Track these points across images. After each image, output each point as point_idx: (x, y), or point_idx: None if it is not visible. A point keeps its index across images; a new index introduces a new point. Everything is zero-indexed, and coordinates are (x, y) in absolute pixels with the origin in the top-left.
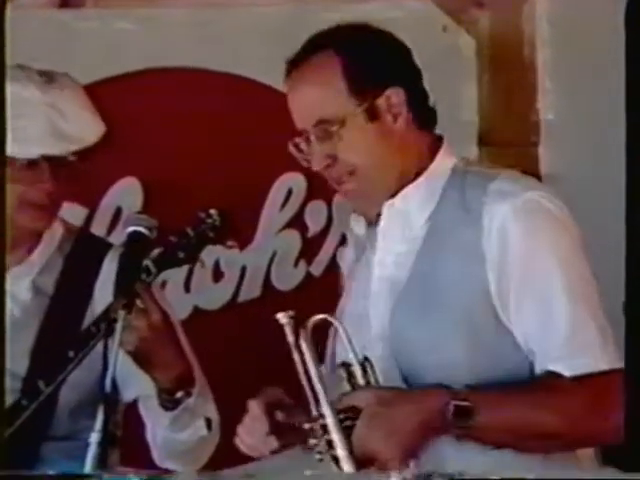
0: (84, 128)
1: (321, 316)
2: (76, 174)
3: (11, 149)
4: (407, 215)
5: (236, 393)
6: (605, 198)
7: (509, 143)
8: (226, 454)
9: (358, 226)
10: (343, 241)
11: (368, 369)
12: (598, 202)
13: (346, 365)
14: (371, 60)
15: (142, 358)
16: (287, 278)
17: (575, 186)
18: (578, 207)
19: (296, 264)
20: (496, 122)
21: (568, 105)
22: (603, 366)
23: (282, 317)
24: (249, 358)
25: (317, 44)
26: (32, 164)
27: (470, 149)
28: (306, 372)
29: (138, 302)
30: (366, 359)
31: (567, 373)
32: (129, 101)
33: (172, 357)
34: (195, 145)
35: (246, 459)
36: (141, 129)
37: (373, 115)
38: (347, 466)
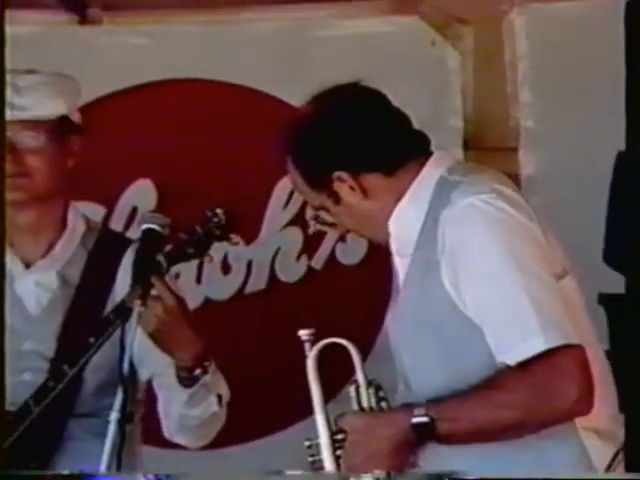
0: (35, 102)
1: (333, 340)
2: (43, 152)
3: None
4: (402, 237)
5: (243, 375)
6: (578, 195)
7: (492, 148)
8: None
9: None
10: (342, 238)
11: (371, 392)
12: (572, 199)
13: (356, 385)
14: (313, 156)
15: (162, 340)
16: (290, 271)
17: (551, 186)
18: (554, 204)
19: (298, 258)
20: (480, 128)
21: (545, 113)
22: (541, 347)
23: (304, 335)
24: (255, 344)
25: (285, 148)
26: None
27: (456, 153)
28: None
29: (153, 292)
30: (370, 382)
31: (512, 362)
32: (144, 110)
33: (189, 338)
34: (204, 150)
35: (250, 437)
36: (154, 135)
37: (337, 199)
38: None
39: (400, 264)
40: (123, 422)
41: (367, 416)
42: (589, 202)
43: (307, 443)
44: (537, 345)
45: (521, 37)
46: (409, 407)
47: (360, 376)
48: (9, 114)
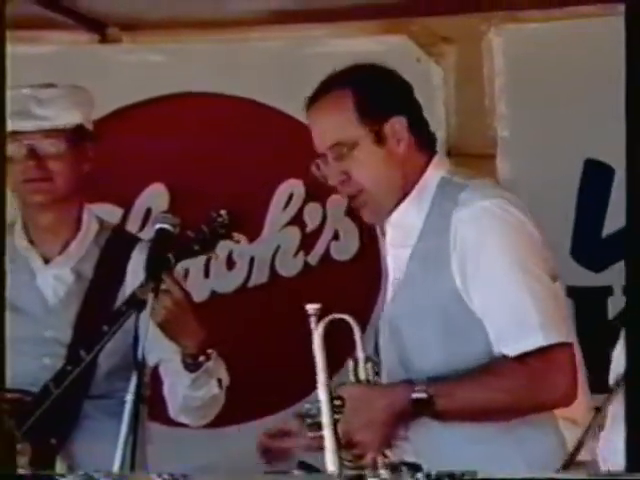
0: (55, 113)
1: (338, 315)
2: (63, 157)
3: None
4: (404, 227)
5: (246, 359)
6: (548, 197)
7: (472, 155)
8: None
9: None
10: (336, 237)
11: (369, 367)
12: (543, 201)
13: (354, 360)
14: (378, 95)
15: (170, 329)
16: (289, 267)
17: (525, 188)
18: (526, 204)
19: (296, 255)
20: (461, 137)
21: (519, 124)
22: (540, 343)
23: (311, 309)
24: (257, 332)
25: (333, 83)
26: (27, 153)
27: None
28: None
29: (163, 286)
30: (368, 358)
31: (512, 354)
32: (158, 120)
33: (194, 328)
34: (212, 157)
35: (251, 417)
36: (168, 144)
37: (380, 139)
38: (330, 446)
39: (394, 253)
40: (138, 403)
41: (367, 387)
42: (558, 203)
43: (307, 405)
44: (537, 341)
45: (498, 55)
46: (410, 383)
47: (359, 351)
48: (32, 124)
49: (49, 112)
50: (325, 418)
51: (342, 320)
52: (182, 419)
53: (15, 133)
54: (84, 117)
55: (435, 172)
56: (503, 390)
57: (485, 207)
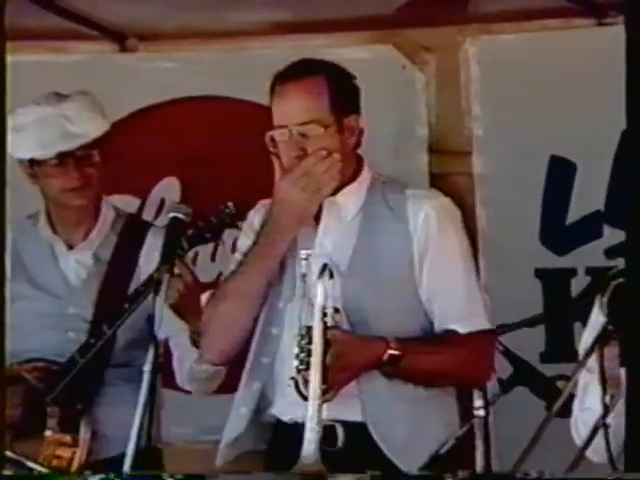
0: (87, 127)
1: (326, 262)
2: (95, 163)
3: (37, 153)
4: (344, 208)
5: None
6: (519, 190)
7: (450, 151)
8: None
9: None
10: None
11: (337, 316)
12: (514, 192)
13: (323, 309)
14: (344, 90)
15: (181, 309)
16: None
17: (497, 182)
18: (499, 196)
19: None
20: (441, 136)
21: (492, 124)
22: (486, 326)
23: (303, 253)
24: None
25: (307, 69)
26: (60, 162)
27: (422, 156)
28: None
29: (176, 269)
30: (337, 309)
31: (463, 331)
32: (171, 121)
33: (201, 308)
34: (219, 153)
35: None
36: (180, 141)
37: (340, 130)
38: (315, 380)
39: (328, 223)
40: (154, 372)
41: (351, 336)
42: (527, 195)
43: (303, 341)
44: (481, 323)
45: (473, 63)
46: (384, 339)
47: (330, 303)
48: (73, 143)
49: (83, 129)
50: (315, 357)
51: None
52: (188, 388)
53: (62, 155)
54: (107, 123)
55: (368, 171)
56: (453, 359)
57: (444, 202)
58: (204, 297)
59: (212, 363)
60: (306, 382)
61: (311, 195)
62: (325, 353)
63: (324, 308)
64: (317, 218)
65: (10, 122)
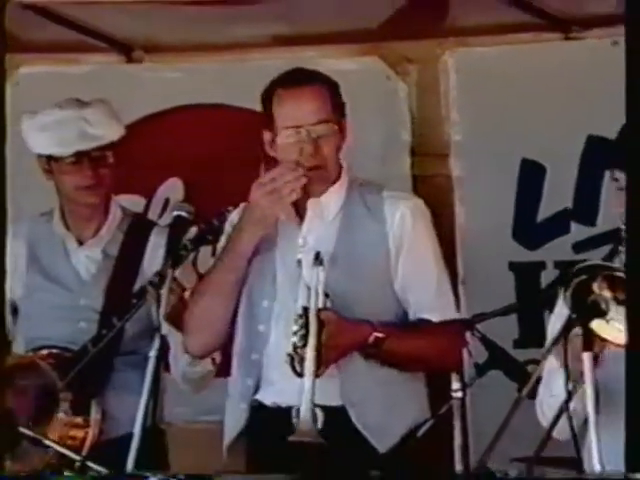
0: (105, 131)
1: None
2: (109, 164)
3: (55, 151)
4: (327, 207)
5: None
6: (493, 190)
7: (431, 155)
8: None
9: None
10: None
11: (327, 300)
12: (489, 193)
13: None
14: (339, 98)
15: (174, 320)
16: None
17: (473, 183)
18: (475, 196)
19: None
20: (422, 140)
21: (469, 130)
22: (455, 316)
23: (301, 241)
24: None
25: (309, 76)
26: (76, 160)
27: (405, 159)
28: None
29: (178, 272)
30: (327, 294)
31: (435, 319)
32: (175, 126)
33: None
34: (219, 157)
35: None
36: (183, 145)
37: (342, 130)
38: (311, 353)
39: (312, 221)
40: (159, 360)
41: (341, 317)
42: (501, 195)
43: (300, 321)
44: (451, 313)
45: (452, 73)
46: (370, 322)
47: (321, 285)
48: (91, 144)
49: (101, 131)
50: (311, 336)
51: None
52: (183, 387)
53: (79, 153)
54: (123, 128)
55: (346, 174)
56: (428, 344)
57: (417, 203)
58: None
59: (194, 356)
60: (302, 360)
61: (274, 201)
62: (320, 332)
63: (318, 291)
64: (302, 216)
65: (33, 123)
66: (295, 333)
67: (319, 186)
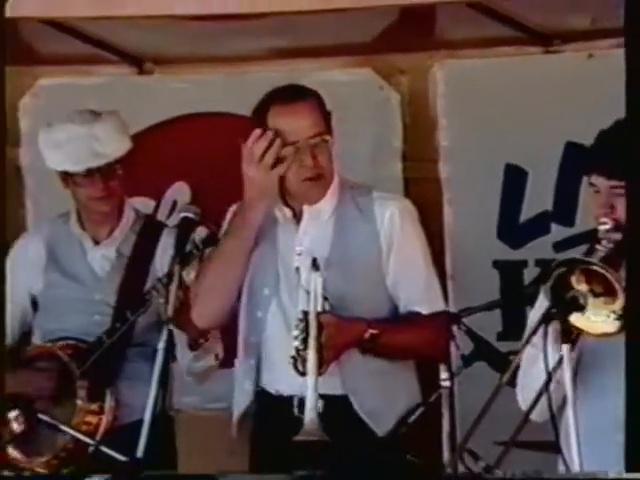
0: (113, 148)
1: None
2: (118, 176)
3: (69, 167)
4: (321, 210)
5: None
6: (481, 195)
7: (421, 159)
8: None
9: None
10: None
11: (325, 303)
12: (475, 195)
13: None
14: (325, 107)
15: (179, 321)
16: None
17: (460, 186)
18: (462, 198)
19: None
20: (413, 146)
21: (457, 136)
22: (443, 308)
23: (298, 249)
24: None
25: (300, 92)
26: (88, 174)
27: (397, 163)
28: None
29: (185, 272)
30: (325, 297)
31: (425, 312)
32: (183, 133)
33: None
34: (223, 162)
35: None
36: (190, 151)
37: (332, 138)
38: (312, 357)
39: (307, 223)
40: (167, 351)
41: (339, 318)
42: (487, 197)
43: (300, 325)
44: (439, 305)
45: (441, 83)
46: (365, 320)
47: (320, 288)
48: (101, 161)
49: (109, 149)
50: (311, 339)
51: None
52: (187, 379)
53: (90, 170)
54: (130, 143)
55: (337, 178)
56: (419, 335)
57: (405, 203)
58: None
59: (202, 327)
60: (304, 361)
61: (264, 172)
62: (319, 335)
63: (317, 296)
64: (298, 220)
65: (47, 138)
66: (296, 337)
67: (319, 193)
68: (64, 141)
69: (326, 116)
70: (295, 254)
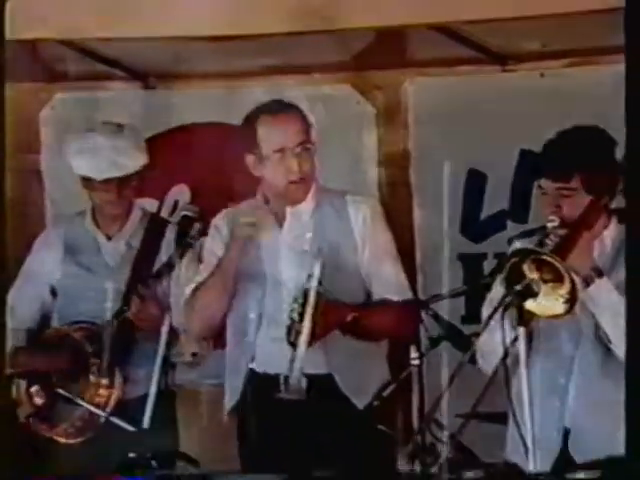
0: (131, 161)
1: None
2: (132, 187)
3: (90, 174)
4: (302, 212)
5: None
6: (446, 196)
7: (394, 166)
8: None
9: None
10: None
11: (320, 287)
12: (441, 196)
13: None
14: (307, 119)
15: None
16: None
17: (431, 189)
18: (431, 198)
19: None
20: (387, 154)
21: (426, 144)
22: (410, 295)
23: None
24: None
25: (285, 105)
26: (105, 182)
27: (373, 170)
28: None
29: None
30: (320, 282)
31: (397, 299)
32: (183, 141)
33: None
34: (219, 166)
35: None
36: (190, 157)
37: (312, 150)
38: (304, 337)
39: (291, 225)
40: (171, 333)
41: (329, 300)
42: (452, 199)
43: (295, 305)
44: (407, 294)
45: (412, 98)
46: (349, 304)
47: (315, 281)
48: (121, 172)
49: (128, 162)
50: (307, 315)
51: None
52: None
53: (108, 179)
54: (146, 157)
55: (315, 183)
56: (392, 321)
57: (374, 203)
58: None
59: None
60: (297, 332)
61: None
62: (316, 310)
63: (316, 277)
64: (281, 222)
65: (75, 145)
66: (292, 310)
67: (301, 195)
68: (87, 150)
69: (309, 127)
70: (281, 249)
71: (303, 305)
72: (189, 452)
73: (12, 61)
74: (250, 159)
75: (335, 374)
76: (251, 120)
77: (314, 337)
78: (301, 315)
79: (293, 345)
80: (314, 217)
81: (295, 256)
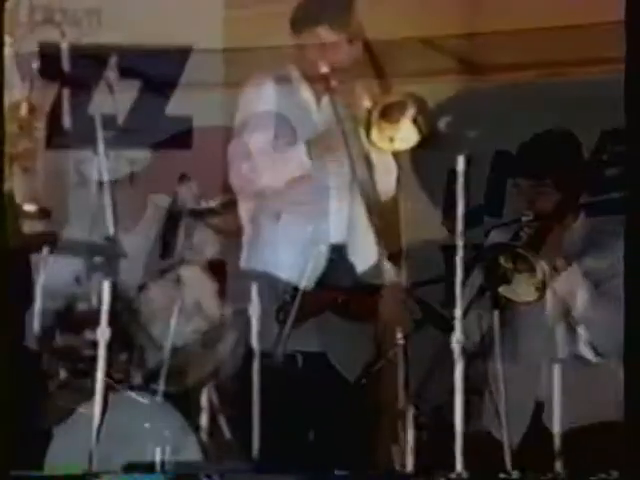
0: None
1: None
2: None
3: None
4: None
5: None
6: (429, 193)
7: None
8: None
9: None
10: None
11: None
12: (426, 195)
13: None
14: None
15: None
16: None
17: (414, 188)
18: (415, 197)
19: None
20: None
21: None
22: (396, 281)
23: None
24: None
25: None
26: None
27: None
28: None
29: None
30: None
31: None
32: (192, 142)
33: None
34: (223, 164)
35: None
36: (198, 156)
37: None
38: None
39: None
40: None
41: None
42: (434, 195)
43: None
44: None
45: None
46: (339, 288)
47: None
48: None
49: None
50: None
51: None
52: None
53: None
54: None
55: None
56: (380, 304)
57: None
58: None
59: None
60: (287, 312)
61: None
62: (308, 294)
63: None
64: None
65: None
66: (286, 292)
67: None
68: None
69: None
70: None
71: (295, 289)
72: None
73: None
74: None
75: (327, 351)
76: None
77: (304, 318)
78: (293, 297)
79: (283, 322)
80: None
81: None
